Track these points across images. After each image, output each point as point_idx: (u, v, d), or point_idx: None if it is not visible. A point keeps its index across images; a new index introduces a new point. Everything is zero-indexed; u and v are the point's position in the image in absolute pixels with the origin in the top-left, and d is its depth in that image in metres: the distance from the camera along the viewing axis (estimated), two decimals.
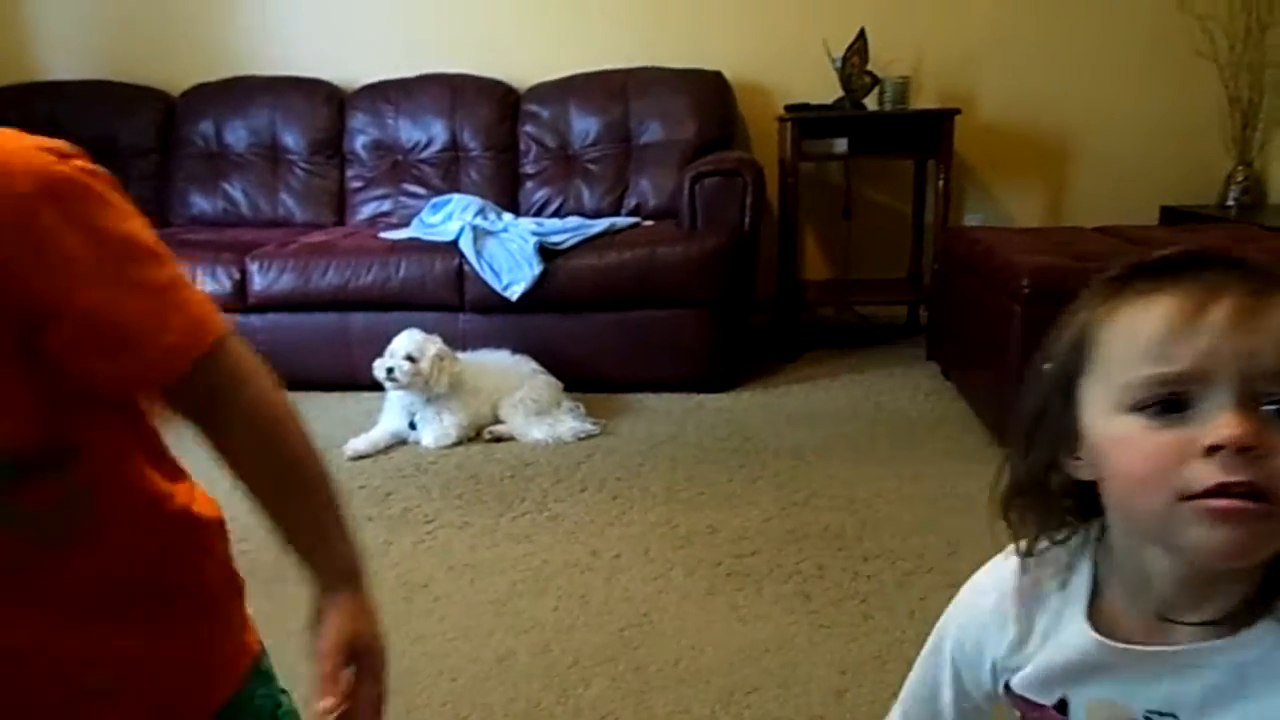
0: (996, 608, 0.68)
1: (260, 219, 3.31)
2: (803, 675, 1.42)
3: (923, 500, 2.03)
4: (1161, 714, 0.59)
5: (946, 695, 0.73)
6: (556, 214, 3.18)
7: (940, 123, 3.04)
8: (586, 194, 3.23)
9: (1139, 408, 0.54)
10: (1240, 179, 3.31)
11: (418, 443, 2.45)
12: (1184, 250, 0.56)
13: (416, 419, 2.45)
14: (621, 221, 2.94)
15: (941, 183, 3.08)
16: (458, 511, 2.05)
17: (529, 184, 3.27)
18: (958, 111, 3.07)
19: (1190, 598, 0.57)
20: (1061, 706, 0.65)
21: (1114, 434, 0.55)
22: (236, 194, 3.35)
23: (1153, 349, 0.53)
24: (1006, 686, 0.69)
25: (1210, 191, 3.38)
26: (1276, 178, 3.36)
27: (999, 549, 1.93)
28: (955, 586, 1.68)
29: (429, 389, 2.38)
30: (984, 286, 2.39)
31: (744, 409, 2.68)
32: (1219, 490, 0.51)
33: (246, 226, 3.24)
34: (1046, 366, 0.61)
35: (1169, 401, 0.53)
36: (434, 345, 2.40)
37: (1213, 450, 0.51)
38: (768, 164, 3.17)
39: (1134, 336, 0.55)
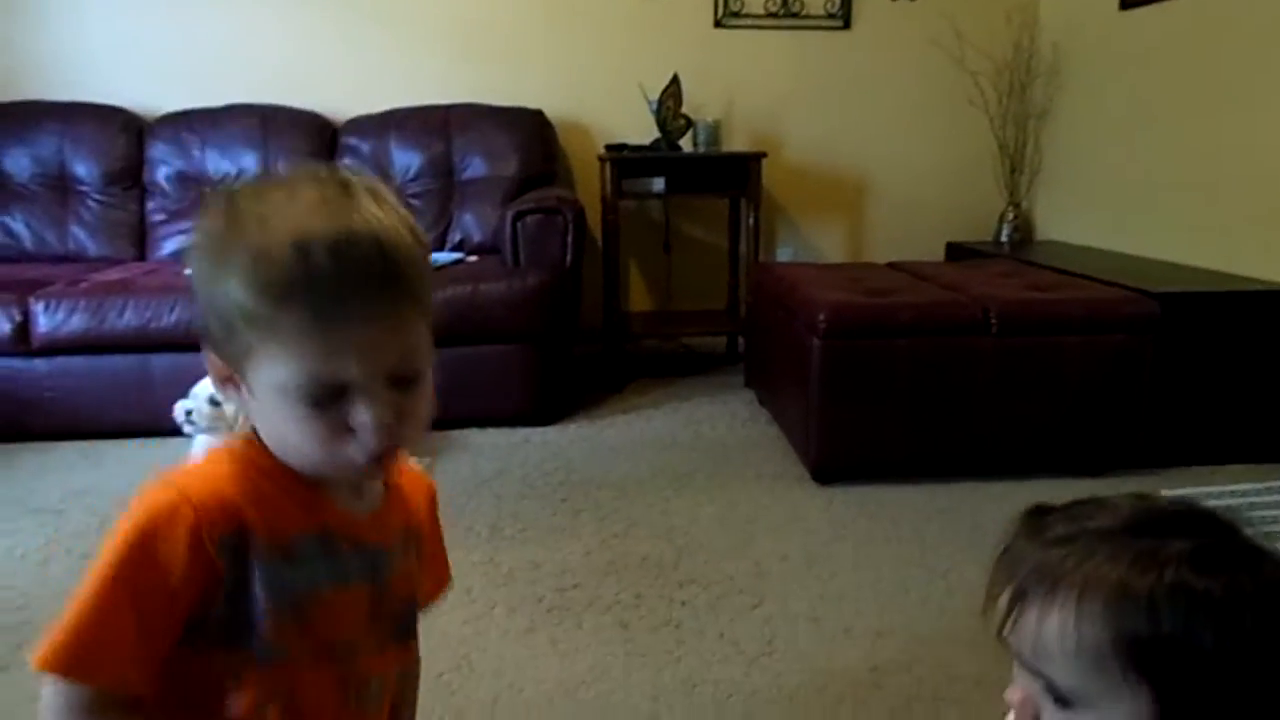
0: None
1: (46, 254, 3.07)
2: (616, 705, 1.46)
3: (735, 525, 2.14)
4: None
5: None
6: None
7: (749, 164, 3.23)
8: None
9: None
10: (1011, 218, 3.70)
11: None
12: (1020, 526, 0.66)
13: None
14: (443, 257, 2.93)
15: (752, 220, 3.27)
16: None
17: None
18: (765, 155, 3.27)
19: None
20: None
21: None
22: (18, 227, 3.09)
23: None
24: None
25: (988, 228, 3.76)
26: (1041, 217, 3.78)
27: (803, 569, 2.06)
28: (760, 608, 1.80)
29: (233, 434, 2.28)
30: (788, 320, 2.55)
31: (569, 442, 2.73)
32: None
33: (30, 262, 3.00)
34: None
35: None
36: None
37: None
38: (590, 200, 3.26)
39: None
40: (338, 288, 0.61)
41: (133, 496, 0.64)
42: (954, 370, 2.32)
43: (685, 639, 1.65)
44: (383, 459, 0.67)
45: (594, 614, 1.74)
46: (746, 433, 2.81)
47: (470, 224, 3.21)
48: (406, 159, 3.25)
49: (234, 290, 0.61)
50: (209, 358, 0.67)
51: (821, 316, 2.30)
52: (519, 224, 2.77)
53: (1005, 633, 0.64)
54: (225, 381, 0.68)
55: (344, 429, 0.65)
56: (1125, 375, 2.34)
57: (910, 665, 1.56)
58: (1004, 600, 0.64)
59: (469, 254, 3.08)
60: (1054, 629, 0.59)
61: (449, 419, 2.76)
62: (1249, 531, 0.61)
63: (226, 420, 2.27)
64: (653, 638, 1.66)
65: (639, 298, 3.74)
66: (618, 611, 1.75)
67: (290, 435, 0.65)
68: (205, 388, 2.29)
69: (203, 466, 0.68)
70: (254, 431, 0.69)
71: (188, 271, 0.66)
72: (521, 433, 2.78)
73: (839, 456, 2.37)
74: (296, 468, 0.68)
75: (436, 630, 1.69)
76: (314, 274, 0.60)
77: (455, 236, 3.20)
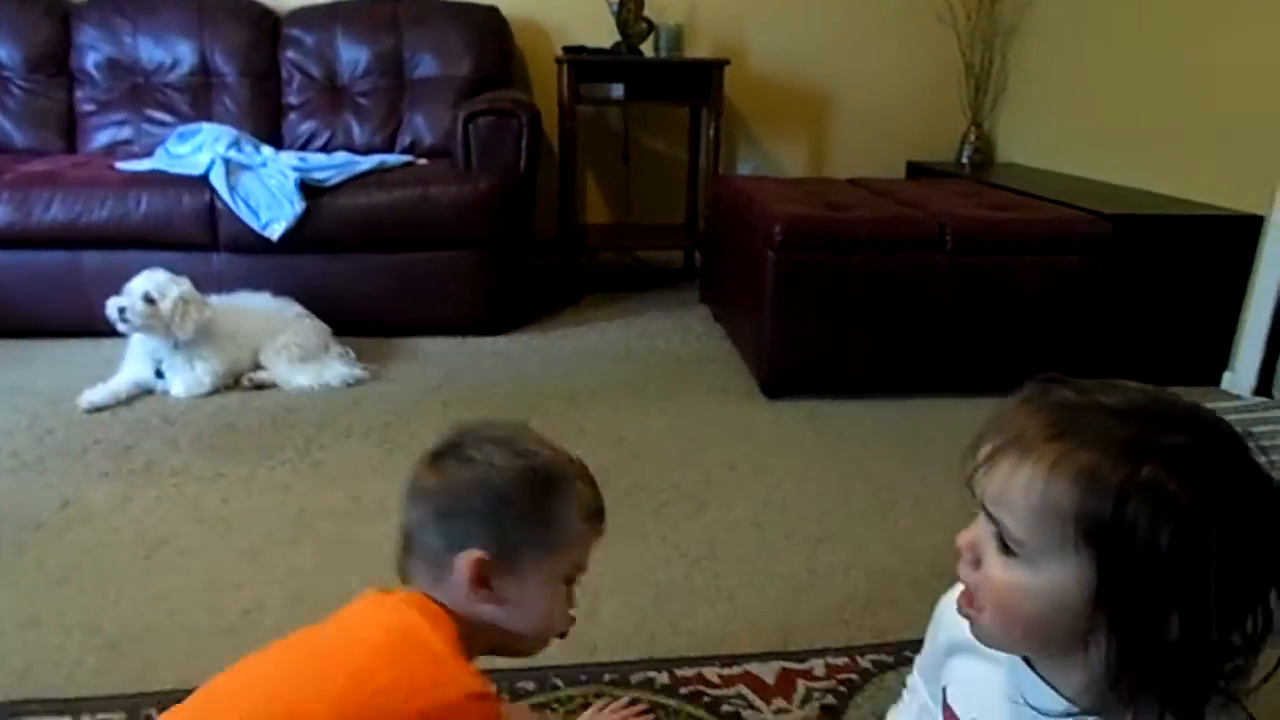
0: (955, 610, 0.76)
1: None
2: None
3: (684, 436, 2.14)
4: None
5: (930, 672, 0.83)
6: (324, 149, 3.01)
7: (711, 71, 3.14)
8: (357, 129, 3.08)
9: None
10: (973, 138, 3.66)
11: (166, 393, 2.28)
12: (1029, 388, 0.66)
13: (164, 367, 2.27)
14: (393, 159, 2.83)
15: (713, 131, 3.20)
16: (209, 462, 1.94)
17: (292, 116, 3.07)
18: (727, 62, 3.18)
19: (1043, 668, 0.67)
20: None
21: None
22: None
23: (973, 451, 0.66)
24: (944, 691, 0.77)
25: (950, 149, 3.72)
26: (1003, 138, 3.75)
27: (749, 478, 2.06)
28: (704, 514, 1.81)
29: (171, 334, 2.21)
30: (745, 233, 2.52)
31: (520, 352, 2.70)
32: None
33: None
34: None
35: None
36: (178, 286, 2.23)
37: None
38: (547, 106, 3.16)
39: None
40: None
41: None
42: (908, 287, 2.31)
43: (628, 544, 1.66)
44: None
45: None
46: (700, 347, 2.80)
47: (421, 126, 3.09)
48: (354, 55, 3.11)
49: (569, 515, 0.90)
50: (469, 562, 0.85)
51: (777, 229, 2.27)
52: (471, 126, 2.67)
53: (976, 476, 0.64)
54: (480, 583, 0.86)
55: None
56: (1076, 295, 2.36)
57: (847, 569, 1.59)
58: (985, 450, 0.64)
59: (419, 157, 2.98)
60: (1022, 482, 0.60)
61: (397, 325, 2.70)
62: (1251, 446, 0.60)
63: (161, 318, 2.21)
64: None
65: (596, 210, 3.67)
66: None
67: (551, 610, 0.91)
68: (140, 284, 2.21)
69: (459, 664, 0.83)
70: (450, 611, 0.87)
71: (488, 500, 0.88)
72: (472, 342, 2.74)
73: (790, 371, 2.37)
74: (523, 642, 0.94)
75: (380, 533, 1.67)
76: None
77: (405, 139, 3.09)
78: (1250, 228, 2.45)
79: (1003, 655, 0.69)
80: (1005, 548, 0.62)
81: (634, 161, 3.60)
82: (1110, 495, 0.57)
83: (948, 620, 0.78)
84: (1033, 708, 0.65)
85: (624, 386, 2.45)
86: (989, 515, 0.63)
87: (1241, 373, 2.51)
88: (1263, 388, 2.48)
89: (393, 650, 0.81)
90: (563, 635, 0.94)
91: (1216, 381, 2.55)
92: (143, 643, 1.34)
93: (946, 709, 0.75)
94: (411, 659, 0.80)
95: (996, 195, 2.69)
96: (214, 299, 2.36)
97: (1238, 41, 2.54)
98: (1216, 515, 0.56)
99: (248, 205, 2.50)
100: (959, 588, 0.77)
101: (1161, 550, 0.56)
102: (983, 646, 0.71)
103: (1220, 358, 2.55)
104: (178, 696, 1.14)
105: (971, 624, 0.67)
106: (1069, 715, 0.64)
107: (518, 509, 0.87)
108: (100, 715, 1.20)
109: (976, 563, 0.64)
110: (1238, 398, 2.48)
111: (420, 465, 0.93)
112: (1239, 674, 0.60)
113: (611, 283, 3.46)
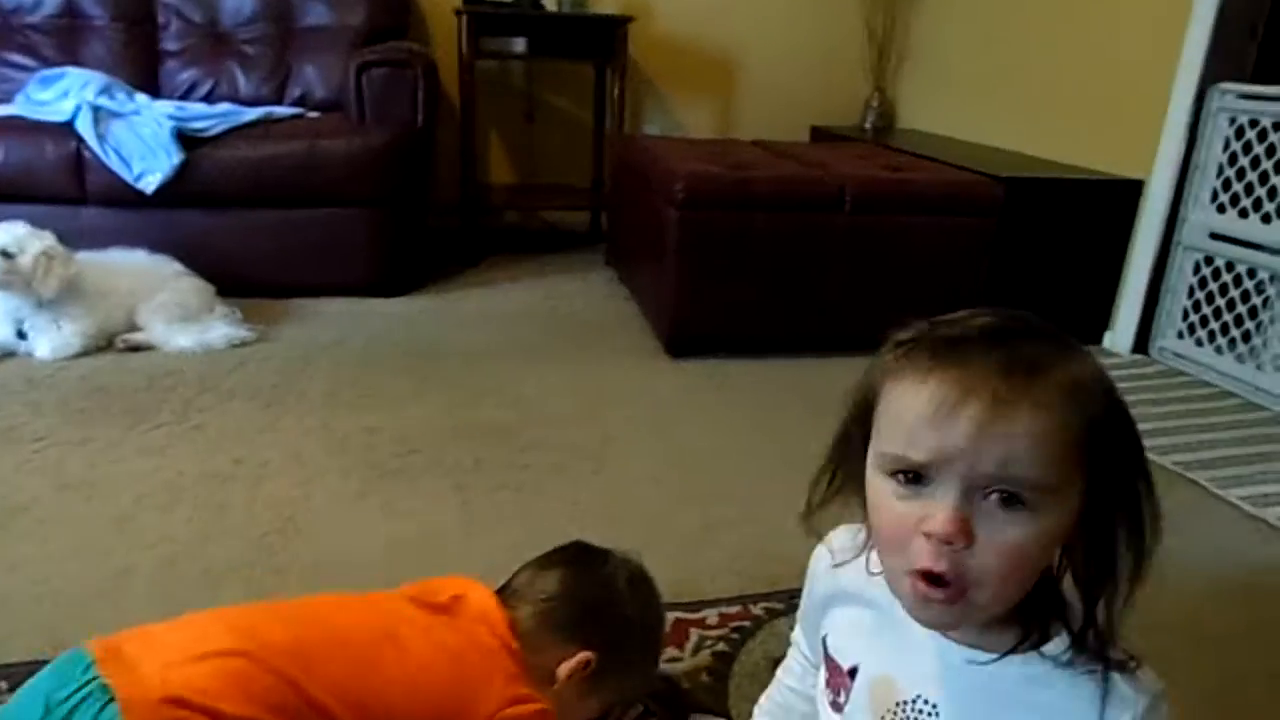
0: (828, 562, 0.75)
1: None
2: (449, 565, 1.42)
3: (585, 395, 2.11)
4: (928, 702, 0.65)
5: (811, 624, 0.80)
6: (207, 100, 2.85)
7: (616, 28, 3.08)
8: (242, 80, 2.91)
9: (891, 474, 0.60)
10: (875, 104, 3.71)
11: (30, 355, 2.13)
12: (974, 328, 0.61)
13: (26, 327, 2.12)
14: (281, 111, 2.70)
15: (617, 91, 3.15)
16: (76, 427, 1.82)
17: (171, 63, 2.89)
18: (632, 19, 3.13)
19: None
20: (853, 674, 0.71)
21: (874, 490, 0.62)
22: None
23: (906, 433, 0.58)
24: (824, 641, 0.75)
25: (853, 113, 3.76)
26: (904, 104, 3.81)
27: (648, 436, 2.03)
28: (603, 473, 1.79)
29: (33, 292, 2.06)
30: (648, 192, 2.49)
31: (417, 313, 2.62)
32: (925, 573, 0.58)
33: None
34: (849, 401, 0.66)
35: (913, 474, 0.59)
36: (40, 241, 2.07)
37: (929, 535, 0.57)
38: (447, 61, 3.06)
39: (898, 415, 0.60)
40: None
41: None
42: (808, 247, 2.33)
43: (524, 501, 1.63)
44: None
45: (431, 479, 1.69)
46: (603, 309, 2.77)
47: (311, 78, 2.95)
48: (237, 0, 2.93)
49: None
50: (585, 657, 0.98)
51: (679, 187, 2.25)
52: (364, 76, 2.56)
53: (945, 458, 0.57)
54: (574, 673, 0.98)
55: None
56: (969, 255, 2.41)
57: (742, 523, 1.59)
58: (975, 410, 0.57)
59: (310, 110, 2.84)
60: (1023, 426, 0.56)
61: (287, 286, 2.59)
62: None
63: (22, 275, 2.06)
64: (489, 501, 1.63)
65: (499, 170, 3.58)
66: (457, 475, 1.71)
67: None
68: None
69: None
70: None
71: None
72: (367, 303, 2.64)
73: (693, 330, 2.36)
74: None
75: (261, 494, 1.61)
76: None
77: (294, 91, 2.94)
78: (1132, 192, 2.55)
79: (881, 600, 0.67)
80: (1007, 504, 0.57)
81: (538, 121, 3.52)
82: (1099, 397, 0.58)
83: (820, 572, 0.78)
84: (916, 648, 0.65)
85: (525, 347, 2.40)
86: (985, 482, 0.56)
87: (1120, 332, 2.63)
88: (1140, 345, 2.60)
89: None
90: None
91: (1099, 340, 2.66)
92: None
93: (828, 659, 0.74)
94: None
95: (896, 158, 2.73)
96: (83, 255, 2.21)
97: (1124, 13, 2.63)
98: (1110, 390, 0.59)
99: (119, 155, 2.34)
100: (833, 538, 0.77)
101: (1132, 443, 0.59)
102: (861, 594, 0.71)
103: (1102, 318, 2.66)
104: (32, 669, 1.07)
105: (935, 614, 0.60)
106: (955, 647, 0.64)
107: (631, 651, 1.03)
108: None
109: (968, 542, 0.57)
110: (1117, 355, 2.59)
111: (588, 565, 1.07)
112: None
113: (516, 245, 3.40)
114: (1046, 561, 0.60)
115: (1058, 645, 0.61)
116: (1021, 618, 0.62)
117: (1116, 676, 0.60)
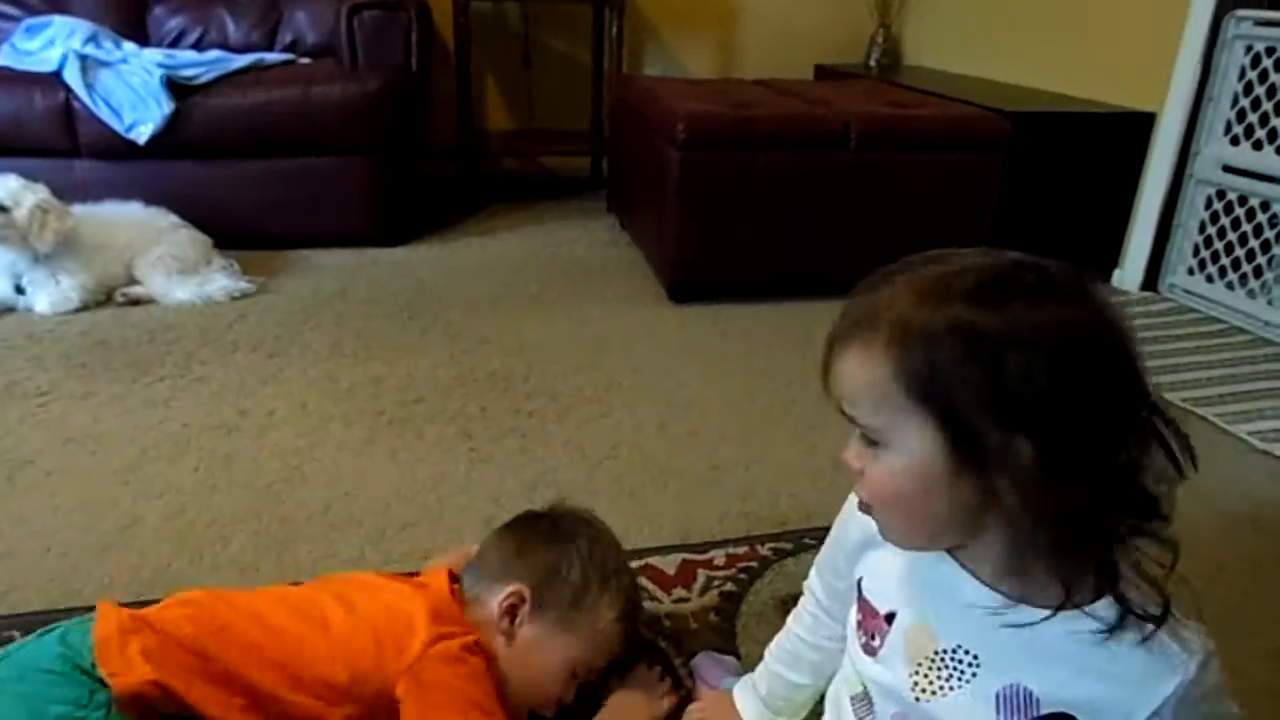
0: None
1: None
2: (457, 508, 1.43)
3: (589, 341, 2.10)
4: (969, 653, 0.65)
5: (842, 567, 0.79)
6: (196, 47, 2.78)
7: None
8: (232, 26, 2.85)
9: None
10: (880, 40, 3.63)
11: (30, 310, 2.11)
12: (888, 269, 0.64)
13: (24, 282, 2.10)
14: (271, 57, 2.64)
15: (616, 30, 3.07)
16: (79, 381, 1.81)
17: (158, 10, 2.82)
18: None
19: (963, 561, 0.65)
20: (890, 619, 0.70)
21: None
22: None
23: None
24: (859, 583, 0.74)
25: (858, 51, 3.68)
26: (910, 41, 3.73)
27: (653, 381, 2.02)
28: (608, 417, 1.78)
29: (29, 246, 2.03)
30: (648, 133, 2.44)
31: (419, 262, 2.59)
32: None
33: None
34: None
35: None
36: (34, 194, 2.04)
37: None
38: (441, 4, 2.98)
39: None
40: None
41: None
42: (812, 186, 2.29)
43: (530, 447, 1.62)
44: None
45: (437, 426, 1.69)
46: (606, 255, 2.74)
47: (302, 23, 2.88)
48: None
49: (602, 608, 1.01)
50: (510, 590, 0.98)
51: (680, 127, 2.20)
52: (355, 20, 2.50)
53: (827, 386, 0.64)
54: (512, 611, 0.98)
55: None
56: (975, 193, 2.37)
57: (749, 464, 1.59)
58: (823, 352, 0.63)
59: (301, 57, 2.78)
60: (850, 370, 0.61)
61: (285, 237, 2.56)
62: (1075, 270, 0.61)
63: (17, 228, 2.03)
64: (496, 446, 1.62)
65: (497, 115, 3.52)
66: (462, 422, 1.70)
67: (545, 679, 0.98)
68: None
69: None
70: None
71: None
72: (368, 253, 2.62)
73: (695, 274, 2.34)
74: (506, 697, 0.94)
75: (267, 444, 1.60)
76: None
77: (285, 37, 2.88)
78: (1143, 125, 2.50)
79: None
80: (870, 441, 0.62)
81: (536, 64, 3.45)
82: (919, 344, 0.57)
83: (856, 515, 0.77)
84: (959, 600, 0.64)
85: (527, 295, 2.38)
86: (847, 418, 0.63)
87: (1130, 269, 2.59)
88: (1149, 283, 2.57)
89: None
90: (544, 716, 0.99)
91: (1107, 279, 2.63)
92: (2, 565, 1.25)
93: (863, 601, 0.74)
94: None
95: (902, 95, 2.67)
96: (78, 208, 2.18)
97: None
98: (1027, 339, 0.55)
99: (109, 105, 2.30)
100: None
101: (977, 382, 0.56)
102: None
103: (1111, 256, 2.63)
104: (45, 619, 1.07)
105: (879, 531, 0.67)
106: (996, 605, 0.62)
107: (571, 579, 0.99)
108: None
109: (858, 476, 0.64)
110: (1126, 293, 2.56)
111: (521, 516, 1.10)
112: (1139, 533, 0.60)
113: (515, 192, 3.35)
114: (936, 500, 0.59)
115: (1106, 606, 0.60)
116: (1065, 574, 0.60)
117: (1165, 638, 0.59)
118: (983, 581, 0.63)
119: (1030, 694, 0.62)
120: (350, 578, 1.01)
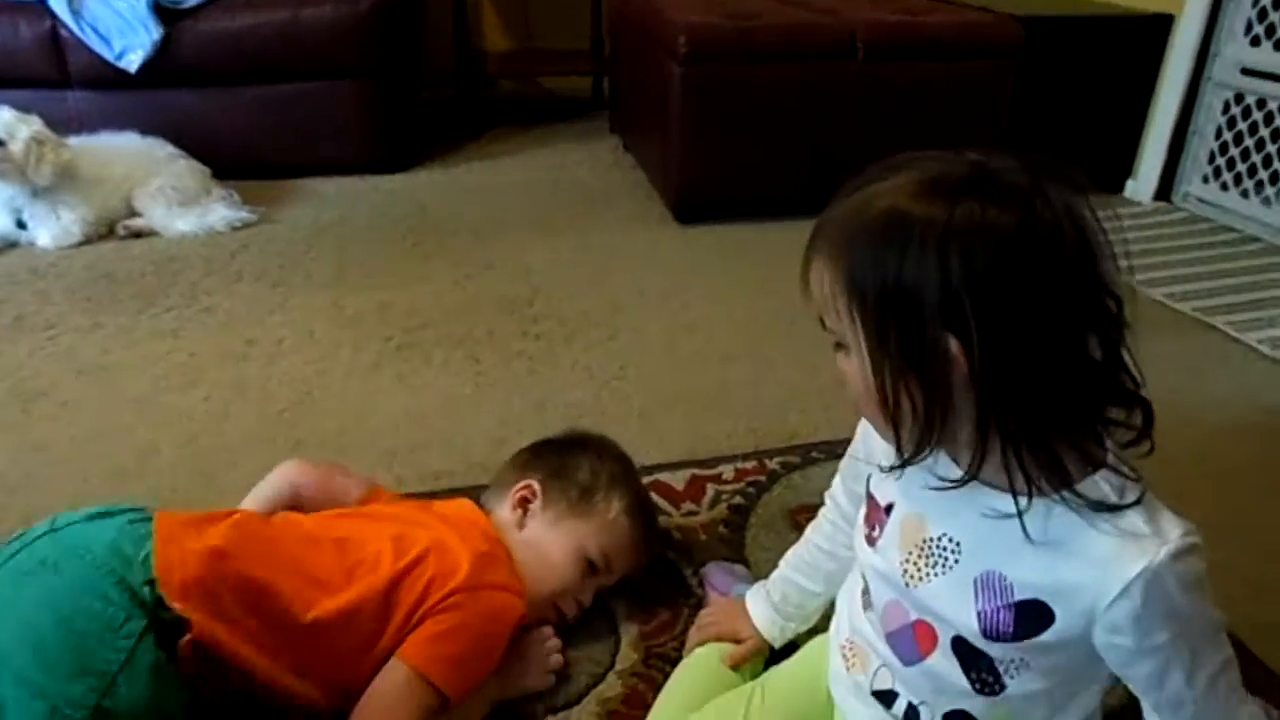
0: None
1: None
2: (466, 430, 1.45)
3: (593, 264, 2.08)
4: (951, 540, 0.67)
5: (861, 470, 0.80)
6: None
7: None
8: None
9: None
10: None
11: (32, 244, 2.11)
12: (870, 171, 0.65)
13: (25, 217, 2.09)
14: None
15: None
16: (86, 314, 1.81)
17: None
18: None
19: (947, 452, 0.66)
20: (889, 510, 0.72)
21: None
22: None
23: None
24: (868, 480, 0.76)
25: None
26: None
27: (658, 302, 2.01)
28: (615, 339, 1.78)
29: (27, 180, 2.01)
30: (650, 48, 2.38)
31: (420, 188, 2.56)
32: None
33: None
34: None
35: None
36: (29, 126, 2.01)
37: None
38: None
39: None
40: None
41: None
42: (819, 98, 2.24)
43: (537, 369, 1.63)
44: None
45: (444, 350, 1.69)
46: (610, 177, 2.70)
47: None
48: None
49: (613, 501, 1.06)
50: (521, 483, 1.07)
51: (682, 40, 2.14)
52: None
53: (807, 295, 0.65)
54: (524, 503, 1.06)
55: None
56: (987, 102, 2.32)
57: (756, 383, 1.59)
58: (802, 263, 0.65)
59: None
60: (814, 278, 0.63)
61: (283, 165, 2.53)
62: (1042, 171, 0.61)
63: (14, 162, 2.01)
64: (504, 369, 1.63)
65: (494, 35, 3.43)
66: (469, 346, 1.70)
67: (564, 575, 1.02)
68: None
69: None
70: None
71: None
72: (369, 180, 2.59)
73: (700, 193, 2.31)
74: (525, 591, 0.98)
75: (276, 372, 1.61)
76: None
77: None
78: (1160, 27, 2.42)
79: None
80: (839, 347, 0.64)
81: None
82: (860, 247, 0.59)
83: None
84: (941, 479, 0.65)
85: (531, 219, 2.36)
86: (823, 327, 0.65)
87: (1144, 179, 2.54)
88: (1163, 193, 2.52)
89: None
90: (566, 615, 1.02)
91: (1120, 189, 2.58)
92: (21, 493, 1.27)
93: (869, 496, 0.76)
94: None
95: (910, 1, 2.58)
96: (75, 140, 2.15)
97: None
98: (960, 237, 0.56)
99: (96, 32, 2.25)
100: None
101: (914, 281, 0.56)
102: None
103: (1125, 166, 2.57)
104: None
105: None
106: (960, 481, 0.64)
107: (580, 477, 1.06)
108: None
109: (846, 377, 0.66)
110: (1139, 204, 2.52)
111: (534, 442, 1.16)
112: (1112, 422, 0.61)
113: (516, 115, 3.29)
114: (902, 399, 0.60)
115: (1083, 490, 0.60)
116: (1026, 463, 0.60)
117: (1140, 523, 0.59)
118: (965, 472, 0.64)
119: (1005, 580, 0.64)
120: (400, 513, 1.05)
